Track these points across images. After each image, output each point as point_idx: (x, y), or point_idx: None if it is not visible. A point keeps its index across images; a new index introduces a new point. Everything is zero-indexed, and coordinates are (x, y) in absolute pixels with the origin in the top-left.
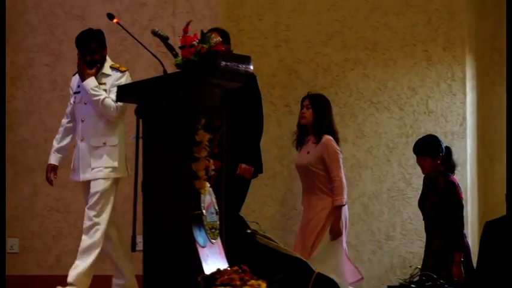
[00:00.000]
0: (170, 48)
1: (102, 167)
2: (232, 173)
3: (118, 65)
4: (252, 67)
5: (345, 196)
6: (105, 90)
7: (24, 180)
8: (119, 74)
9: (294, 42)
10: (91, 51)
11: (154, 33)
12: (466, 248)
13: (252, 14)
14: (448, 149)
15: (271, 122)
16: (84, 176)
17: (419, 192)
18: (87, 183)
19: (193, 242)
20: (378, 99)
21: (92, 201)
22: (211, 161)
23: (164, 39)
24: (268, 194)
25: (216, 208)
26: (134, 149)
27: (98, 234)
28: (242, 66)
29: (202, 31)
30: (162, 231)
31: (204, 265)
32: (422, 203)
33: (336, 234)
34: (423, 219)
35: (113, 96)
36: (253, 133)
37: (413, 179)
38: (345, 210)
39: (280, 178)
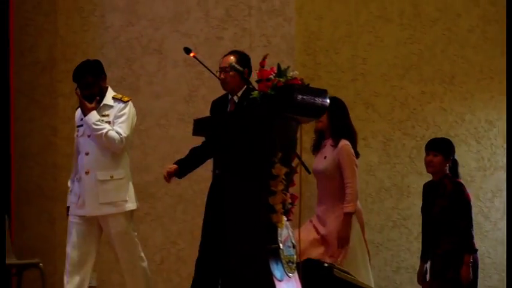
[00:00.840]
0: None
1: (113, 201)
2: None
3: (120, 96)
4: (328, 101)
5: (357, 203)
6: (108, 122)
7: None
8: (121, 105)
9: (371, 75)
10: (88, 86)
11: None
12: (475, 251)
13: (329, 48)
14: (455, 160)
15: None
16: (92, 211)
17: (497, 226)
18: (91, 218)
19: (270, 276)
20: (455, 132)
21: (120, 244)
22: (288, 194)
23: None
24: None
25: (293, 242)
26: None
27: (140, 271)
28: (319, 100)
29: (278, 65)
30: (239, 265)
31: None
32: (427, 209)
33: (343, 241)
34: (426, 225)
35: (117, 127)
36: None
37: (491, 212)
38: (360, 215)
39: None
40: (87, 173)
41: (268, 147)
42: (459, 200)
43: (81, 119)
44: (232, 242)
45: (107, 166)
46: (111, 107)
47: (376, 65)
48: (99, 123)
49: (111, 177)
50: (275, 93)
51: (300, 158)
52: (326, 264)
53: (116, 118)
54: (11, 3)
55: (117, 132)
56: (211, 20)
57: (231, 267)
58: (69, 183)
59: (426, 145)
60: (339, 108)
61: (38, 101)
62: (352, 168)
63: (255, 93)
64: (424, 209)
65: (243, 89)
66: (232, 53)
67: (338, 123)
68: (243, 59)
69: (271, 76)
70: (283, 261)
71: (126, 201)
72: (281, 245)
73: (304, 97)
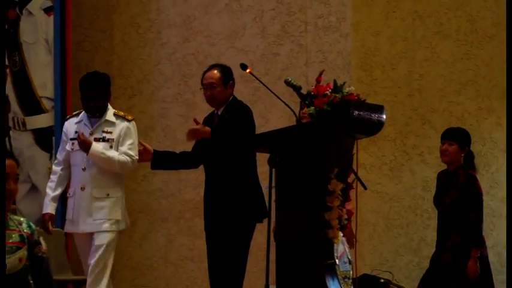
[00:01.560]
0: (303, 97)
1: (105, 219)
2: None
3: (123, 113)
4: (384, 116)
5: None
6: (111, 139)
7: (159, 229)
8: (126, 123)
9: (427, 91)
10: (94, 97)
11: (287, 83)
12: (483, 244)
13: (385, 64)
14: (471, 151)
15: (404, 171)
16: (84, 228)
17: None
18: (85, 234)
19: None
20: None
21: (96, 255)
22: (344, 210)
23: (297, 89)
24: (401, 244)
25: (350, 257)
26: (267, 198)
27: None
28: (375, 116)
29: (335, 80)
30: (295, 281)
31: None
32: (440, 199)
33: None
34: (438, 216)
35: (127, 149)
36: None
37: None
38: None
39: (413, 227)
40: (82, 188)
41: (325, 163)
42: (471, 193)
43: (76, 132)
44: (288, 257)
45: (105, 184)
46: (113, 123)
47: (432, 80)
48: (105, 151)
49: (107, 195)
50: (331, 109)
51: (356, 174)
52: (382, 280)
53: (122, 138)
54: (68, 20)
55: (128, 155)
56: (268, 36)
57: (287, 283)
58: (47, 190)
59: (442, 134)
60: None
61: None
62: None
63: (311, 109)
64: (437, 199)
65: (227, 102)
66: (214, 67)
67: None
68: (227, 72)
69: (327, 92)
70: (339, 276)
71: (118, 220)
72: (337, 260)
73: (361, 113)
